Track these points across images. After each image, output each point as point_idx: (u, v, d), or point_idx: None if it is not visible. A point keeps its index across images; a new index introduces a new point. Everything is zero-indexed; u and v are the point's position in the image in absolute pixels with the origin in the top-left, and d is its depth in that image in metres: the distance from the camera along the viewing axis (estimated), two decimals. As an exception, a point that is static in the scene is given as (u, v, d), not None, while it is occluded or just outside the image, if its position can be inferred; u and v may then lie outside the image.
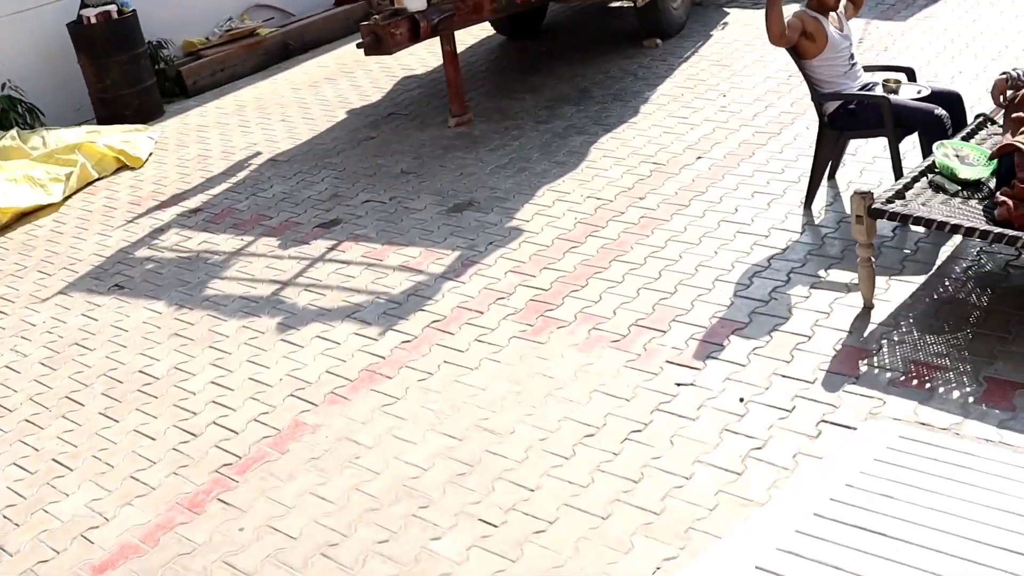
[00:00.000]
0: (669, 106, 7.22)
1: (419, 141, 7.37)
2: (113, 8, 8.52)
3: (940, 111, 4.91)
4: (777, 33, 5.05)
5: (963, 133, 4.84)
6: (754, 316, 4.51)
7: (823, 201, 5.44)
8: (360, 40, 6.88)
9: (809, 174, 5.40)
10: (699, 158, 6.26)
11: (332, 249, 5.89)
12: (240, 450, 4.22)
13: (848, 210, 5.08)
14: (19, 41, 8.72)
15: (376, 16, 6.83)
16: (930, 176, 4.52)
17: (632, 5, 8.07)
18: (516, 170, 6.55)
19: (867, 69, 5.47)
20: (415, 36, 6.88)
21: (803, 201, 5.42)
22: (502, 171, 6.57)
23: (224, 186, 7.18)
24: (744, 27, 8.76)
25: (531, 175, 6.42)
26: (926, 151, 4.92)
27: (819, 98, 5.26)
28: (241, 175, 7.34)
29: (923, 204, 4.28)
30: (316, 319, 5.14)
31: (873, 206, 4.20)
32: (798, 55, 5.24)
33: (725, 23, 8.97)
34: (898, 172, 5.00)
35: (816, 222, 5.26)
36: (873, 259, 4.35)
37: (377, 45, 6.74)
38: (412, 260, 5.57)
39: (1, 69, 8.54)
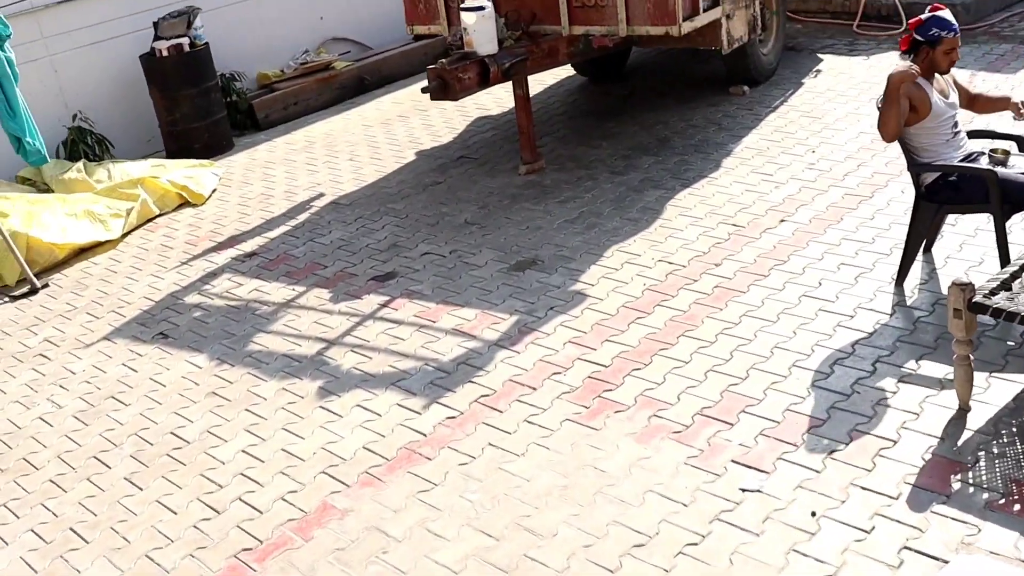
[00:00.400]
0: (753, 160, 6.77)
1: (487, 189, 7.04)
2: (186, 41, 8.40)
3: (1055, 187, 4.40)
4: (892, 134, 4.58)
5: (1080, 213, 4.33)
6: (833, 412, 4.04)
7: (917, 278, 4.94)
8: (426, 84, 6.54)
9: (903, 247, 4.92)
10: (782, 221, 5.80)
11: (384, 306, 5.57)
12: (263, 533, 3.91)
13: (944, 290, 4.59)
14: (92, 72, 8.66)
15: (443, 59, 6.49)
16: (1041, 263, 4.02)
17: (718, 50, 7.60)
18: (585, 226, 6.16)
19: (971, 136, 4.96)
20: (484, 81, 6.51)
21: (894, 277, 4.93)
22: (570, 226, 6.19)
23: (282, 229, 6.94)
24: (838, 76, 8.25)
25: (601, 232, 6.03)
26: (1037, 231, 4.41)
27: (916, 168, 4.77)
28: (301, 218, 7.09)
29: (1032, 298, 3.78)
30: (359, 385, 4.82)
31: (974, 299, 3.72)
32: (896, 121, 4.77)
33: (818, 71, 8.46)
34: (1004, 255, 4.48)
35: (908, 303, 4.76)
36: (971, 356, 3.85)
37: (443, 90, 6.39)
38: (466, 323, 5.21)
39: (72, 100, 8.48)
